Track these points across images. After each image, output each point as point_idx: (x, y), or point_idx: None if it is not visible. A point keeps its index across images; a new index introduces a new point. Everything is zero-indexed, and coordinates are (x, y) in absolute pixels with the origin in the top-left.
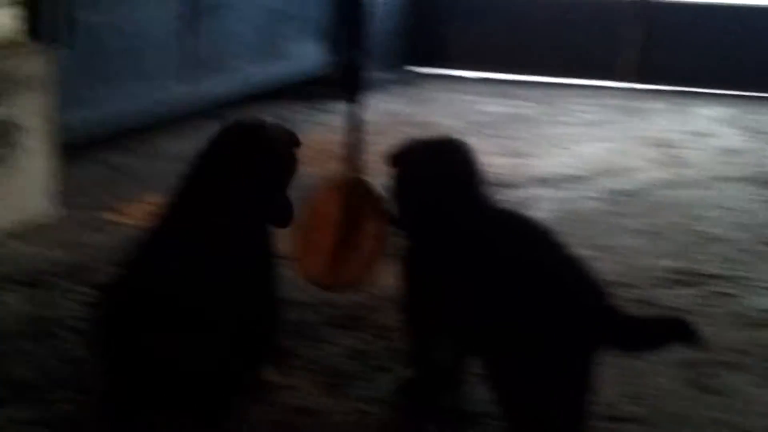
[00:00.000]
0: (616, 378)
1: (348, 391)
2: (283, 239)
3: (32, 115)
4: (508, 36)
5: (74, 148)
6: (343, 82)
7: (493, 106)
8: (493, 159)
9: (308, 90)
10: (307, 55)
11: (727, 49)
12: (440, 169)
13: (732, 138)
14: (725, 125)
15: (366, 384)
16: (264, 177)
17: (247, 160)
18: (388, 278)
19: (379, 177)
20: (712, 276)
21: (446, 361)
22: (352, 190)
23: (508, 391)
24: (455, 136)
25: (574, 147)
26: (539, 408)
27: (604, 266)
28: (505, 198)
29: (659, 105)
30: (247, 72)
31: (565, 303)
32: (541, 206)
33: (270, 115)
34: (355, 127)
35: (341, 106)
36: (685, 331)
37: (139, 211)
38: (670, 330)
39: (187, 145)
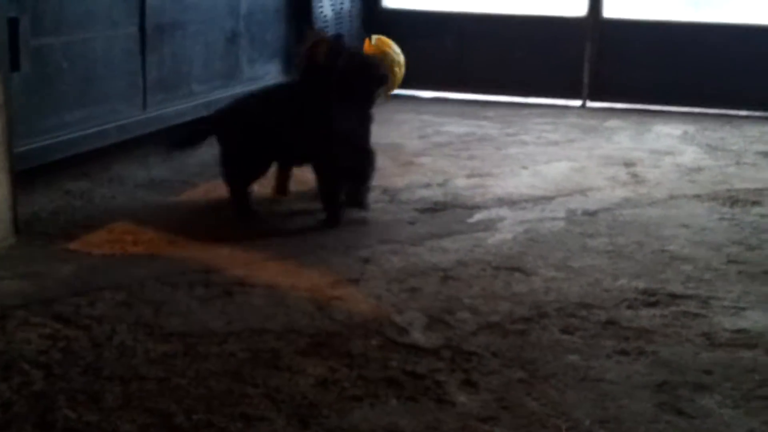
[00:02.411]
0: (589, 402)
1: (320, 422)
2: None
3: None
4: (466, 56)
5: (30, 175)
6: None
7: (453, 126)
8: (456, 180)
9: None
10: (265, 76)
11: (684, 67)
12: None
13: (692, 155)
14: (685, 143)
15: (337, 414)
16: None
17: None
18: (356, 305)
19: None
20: (677, 296)
21: None
22: None
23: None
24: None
25: (535, 166)
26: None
27: (568, 287)
28: (469, 220)
29: (619, 123)
30: (204, 94)
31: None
32: (505, 227)
33: None
34: None
35: None
36: None
37: (98, 239)
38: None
39: (146, 171)
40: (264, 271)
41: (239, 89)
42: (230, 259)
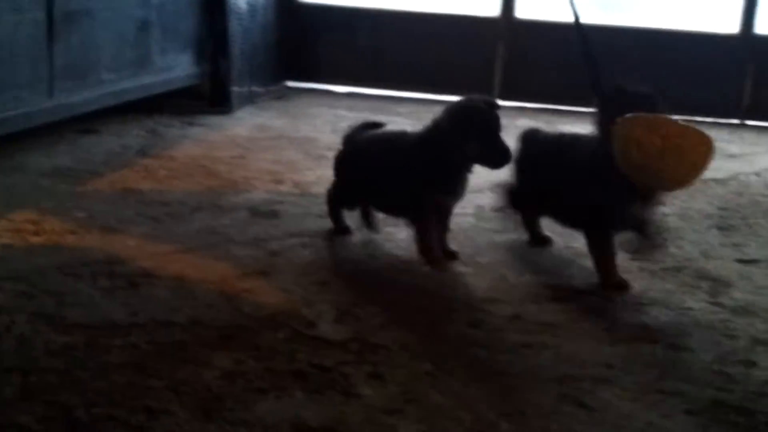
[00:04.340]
0: (493, 394)
1: (224, 415)
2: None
3: None
4: (380, 52)
5: None
6: (212, 94)
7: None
8: None
9: (177, 102)
10: (176, 66)
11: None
12: None
13: None
14: None
15: (242, 407)
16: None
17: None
18: (265, 298)
19: (253, 190)
20: (581, 291)
21: None
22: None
23: None
24: None
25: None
26: None
27: (476, 282)
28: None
29: (526, 122)
30: (114, 83)
31: None
32: None
33: (139, 128)
34: None
35: (211, 119)
36: None
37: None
38: None
39: (50, 159)
40: (171, 263)
41: (149, 79)
42: (137, 251)
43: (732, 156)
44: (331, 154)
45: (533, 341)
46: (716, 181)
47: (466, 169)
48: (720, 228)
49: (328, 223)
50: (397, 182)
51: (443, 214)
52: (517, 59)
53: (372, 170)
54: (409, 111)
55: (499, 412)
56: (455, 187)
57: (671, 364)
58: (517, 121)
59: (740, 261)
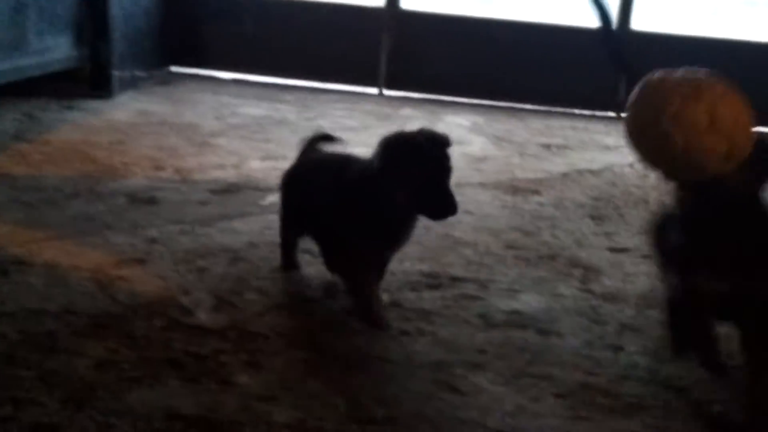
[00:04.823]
0: (370, 381)
1: (95, 405)
2: None
3: None
4: (267, 39)
5: None
6: (92, 77)
7: (251, 108)
8: (250, 162)
9: (56, 86)
10: (54, 49)
11: (476, 60)
12: None
13: (480, 145)
14: (474, 133)
15: (114, 396)
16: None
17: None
18: (141, 285)
19: (132, 176)
20: (458, 279)
21: None
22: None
23: None
24: None
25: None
26: None
27: None
28: (260, 202)
29: (412, 112)
30: None
31: None
32: None
33: (14, 111)
34: None
35: (90, 104)
36: None
37: None
38: None
39: None
40: (45, 251)
41: (25, 61)
42: (9, 238)
43: (607, 148)
44: (215, 141)
45: (410, 328)
46: (591, 172)
47: (410, 216)
48: (593, 217)
49: (209, 211)
50: (328, 224)
51: (380, 266)
52: (403, 50)
53: (310, 200)
54: (296, 99)
55: (375, 398)
56: (395, 237)
57: (542, 350)
58: (400, 110)
59: (611, 249)
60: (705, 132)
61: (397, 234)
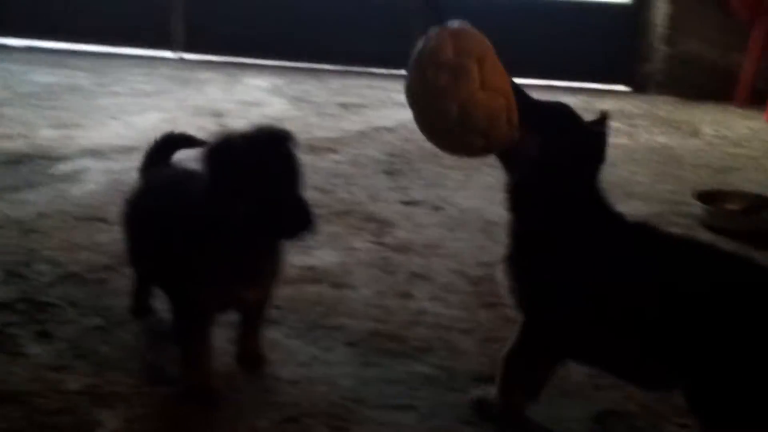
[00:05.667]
0: (162, 343)
1: None
2: None
3: None
4: (59, 2)
5: None
6: None
7: (43, 76)
8: (40, 131)
9: None
10: None
11: (275, 21)
12: None
13: (279, 107)
14: (273, 95)
15: None
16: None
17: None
18: None
19: None
20: None
21: None
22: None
23: None
24: None
25: (126, 117)
26: None
27: None
28: (51, 171)
29: (210, 75)
30: None
31: None
32: (90, 178)
33: None
34: None
35: None
36: None
37: None
38: None
39: None
40: None
41: None
42: None
43: (403, 105)
44: (1, 111)
45: None
46: (387, 129)
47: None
48: (387, 173)
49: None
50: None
51: (245, 309)
52: (198, 11)
53: (151, 235)
54: (90, 65)
55: (168, 357)
56: (250, 270)
57: (335, 302)
58: (199, 74)
59: (403, 203)
60: (479, 89)
61: (253, 264)
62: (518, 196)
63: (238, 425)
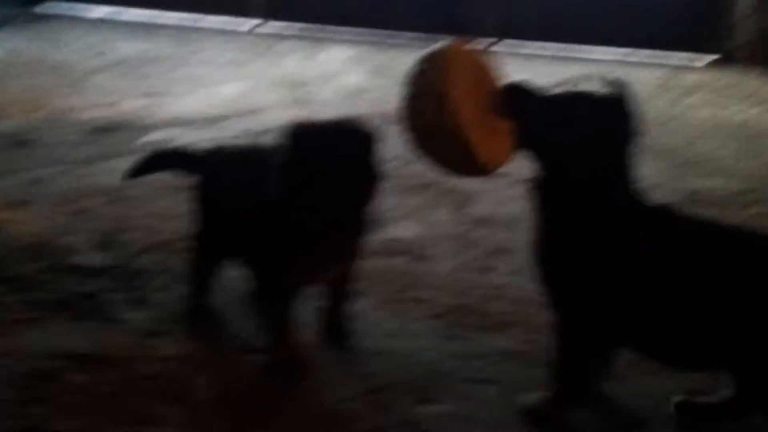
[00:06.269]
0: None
1: None
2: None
3: None
4: None
5: None
6: None
7: (126, 45)
8: (127, 100)
9: None
10: None
11: None
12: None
13: (358, 77)
14: (352, 65)
15: (1, 338)
16: None
17: None
18: (23, 228)
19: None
20: None
21: None
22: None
23: None
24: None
25: (209, 87)
26: None
27: None
28: (141, 140)
29: (290, 45)
30: None
31: None
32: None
33: None
34: None
35: None
36: None
37: None
38: None
39: None
40: None
41: None
42: None
43: None
44: (90, 80)
45: None
46: None
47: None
48: None
49: (87, 151)
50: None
51: (330, 283)
52: None
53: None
54: (173, 34)
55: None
56: (333, 245)
57: (417, 275)
58: (280, 44)
59: None
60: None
61: (327, 241)
62: (545, 191)
63: (323, 395)
